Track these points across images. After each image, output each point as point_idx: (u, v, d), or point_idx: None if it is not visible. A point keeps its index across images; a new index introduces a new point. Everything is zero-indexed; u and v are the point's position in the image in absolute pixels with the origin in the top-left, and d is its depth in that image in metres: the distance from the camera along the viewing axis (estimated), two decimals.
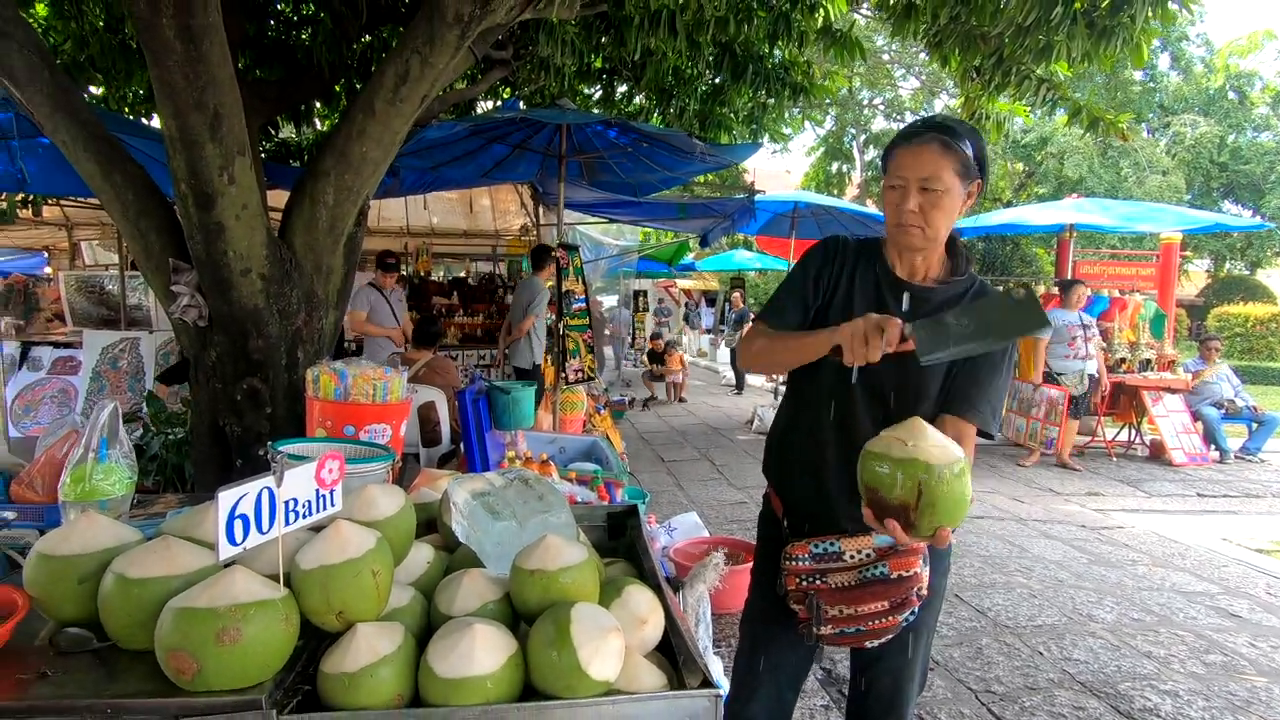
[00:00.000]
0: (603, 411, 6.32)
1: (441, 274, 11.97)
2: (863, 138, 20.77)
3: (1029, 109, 4.56)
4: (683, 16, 3.66)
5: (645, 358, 11.74)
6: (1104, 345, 7.53)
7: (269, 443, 1.38)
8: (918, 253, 1.44)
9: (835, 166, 19.80)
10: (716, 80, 5.26)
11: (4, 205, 4.95)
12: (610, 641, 1.01)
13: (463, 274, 11.53)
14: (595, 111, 5.32)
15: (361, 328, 5.51)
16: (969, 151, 1.36)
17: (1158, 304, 8.16)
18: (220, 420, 2.71)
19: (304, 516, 1.01)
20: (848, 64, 4.71)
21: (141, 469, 2.48)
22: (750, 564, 3.20)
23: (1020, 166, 19.00)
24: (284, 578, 1.00)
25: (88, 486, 1.16)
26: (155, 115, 5.08)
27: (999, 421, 1.41)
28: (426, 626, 1.14)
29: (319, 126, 5.88)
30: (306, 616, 1.02)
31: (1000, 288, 1.46)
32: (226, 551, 0.91)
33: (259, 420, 2.68)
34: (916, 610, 1.37)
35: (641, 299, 15.39)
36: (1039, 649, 2.98)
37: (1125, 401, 7.42)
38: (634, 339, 14.34)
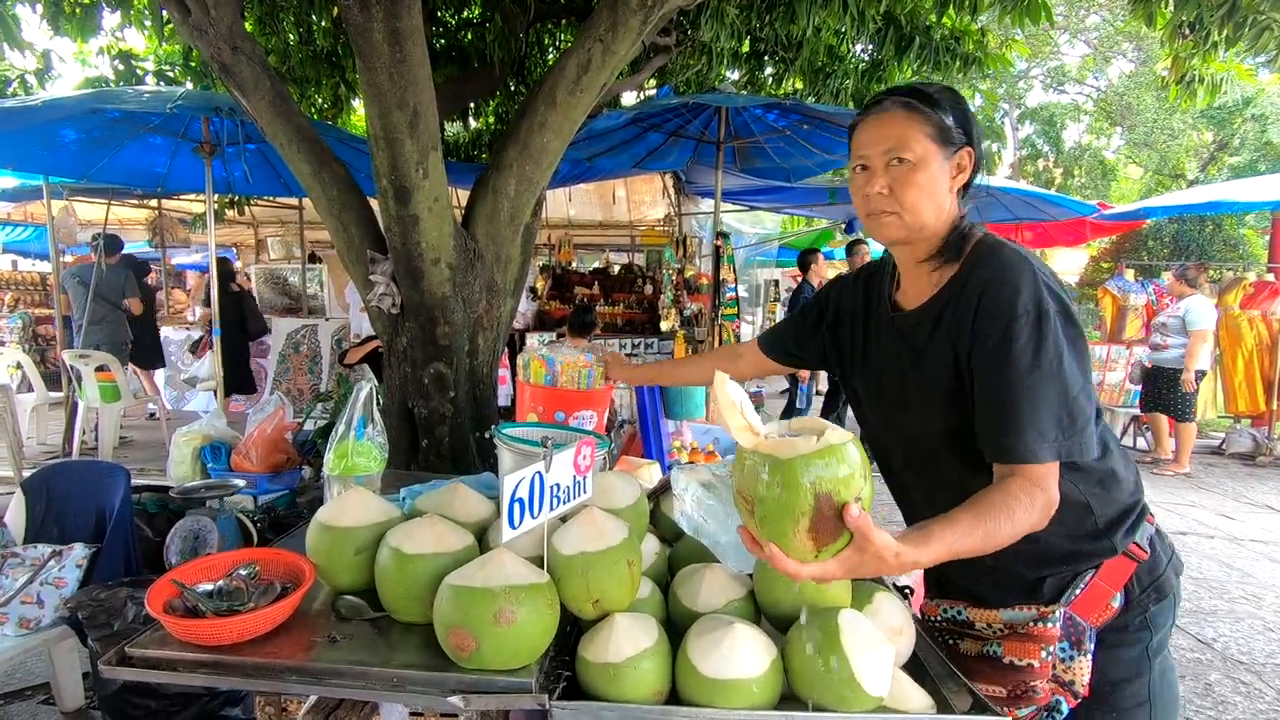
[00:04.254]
0: None
1: (576, 264, 12.29)
2: (1017, 113, 19.09)
3: (1261, 66, 3.94)
4: None
5: None
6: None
7: (493, 426, 1.41)
8: (904, 249, 1.15)
9: (984, 145, 18.37)
10: (874, 56, 4.97)
11: (217, 206, 5.58)
12: (883, 654, 0.93)
13: (599, 264, 11.76)
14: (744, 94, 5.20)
15: None
16: (946, 117, 1.10)
17: None
18: (409, 402, 2.88)
19: (564, 502, 1.01)
20: (1026, 29, 4.29)
21: None
22: None
23: (1209, 137, 16.70)
24: (547, 563, 1.00)
25: (350, 463, 1.23)
26: (338, 121, 5.55)
27: (1058, 440, 0.98)
28: (667, 619, 1.12)
29: (474, 125, 6.17)
30: (563, 602, 1.02)
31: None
32: (508, 535, 0.91)
33: (444, 403, 2.82)
34: (1064, 710, 1.08)
35: (773, 288, 15.05)
36: None
37: None
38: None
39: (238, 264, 13.05)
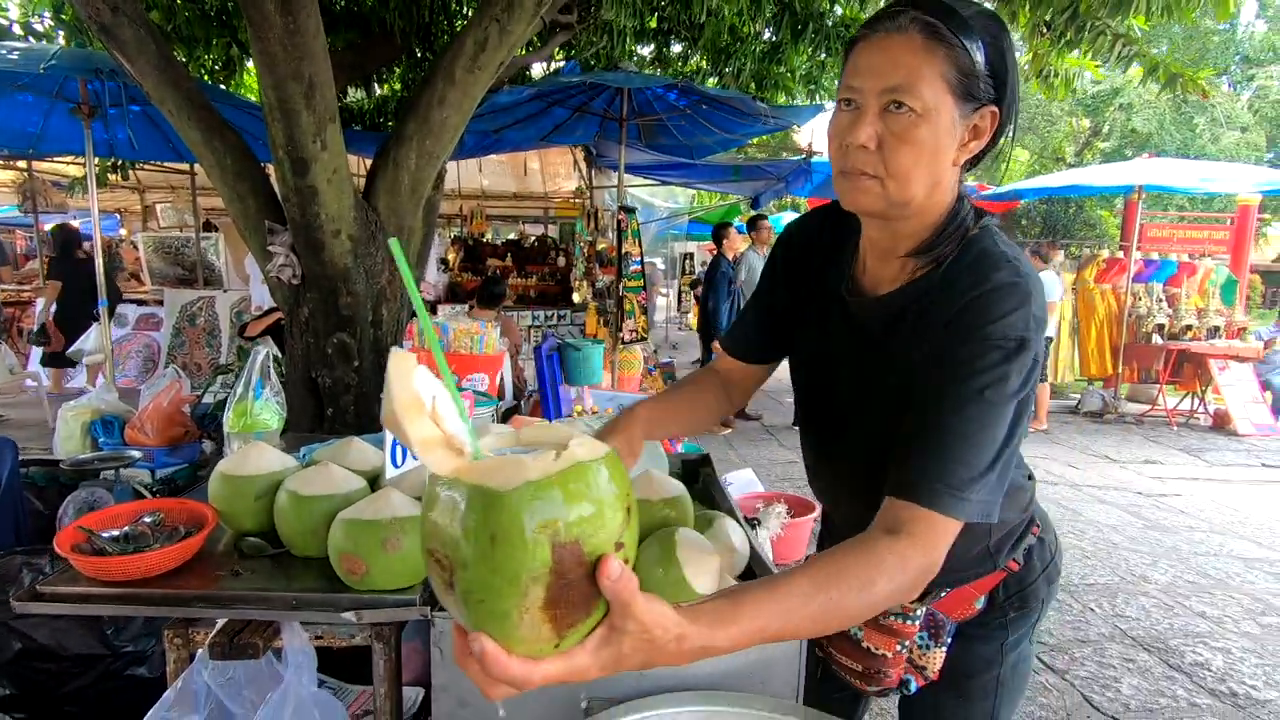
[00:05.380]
0: (654, 372, 6.47)
1: (490, 235, 12.17)
2: None
3: (1101, 66, 4.42)
4: None
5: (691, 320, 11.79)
6: (1170, 312, 7.31)
7: None
8: (879, 225, 0.91)
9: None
10: (773, 39, 5.21)
11: (98, 170, 5.25)
12: (710, 561, 1.14)
13: (513, 236, 11.70)
14: (649, 72, 5.34)
15: None
16: (977, 52, 0.80)
17: (1230, 269, 7.84)
18: (312, 372, 2.92)
19: None
20: None
21: None
22: (809, 517, 3.34)
23: (1086, 124, 18.14)
24: None
25: (249, 420, 1.34)
26: (230, 84, 5.31)
27: (977, 497, 0.77)
28: None
29: (378, 91, 6.03)
30: None
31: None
32: (392, 472, 1.06)
33: (348, 372, 2.88)
34: (913, 688, 1.07)
35: (688, 262, 15.40)
36: (1090, 606, 3.05)
37: (1189, 370, 7.23)
38: (680, 301, 14.43)
39: (121, 231, 12.18)
